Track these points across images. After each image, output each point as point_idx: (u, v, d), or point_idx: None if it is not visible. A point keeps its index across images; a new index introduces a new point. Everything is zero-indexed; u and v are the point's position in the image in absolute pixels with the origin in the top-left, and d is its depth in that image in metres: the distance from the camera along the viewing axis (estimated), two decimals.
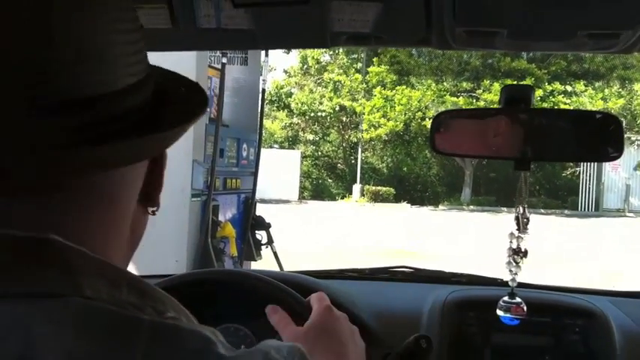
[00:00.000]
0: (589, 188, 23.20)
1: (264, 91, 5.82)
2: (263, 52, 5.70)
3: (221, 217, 5.02)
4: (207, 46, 2.35)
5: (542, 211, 21.23)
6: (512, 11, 1.07)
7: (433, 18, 1.10)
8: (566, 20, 1.09)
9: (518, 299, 1.37)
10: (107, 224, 0.57)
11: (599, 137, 1.33)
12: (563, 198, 24.52)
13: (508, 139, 1.33)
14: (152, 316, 0.51)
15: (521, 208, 1.33)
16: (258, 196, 5.68)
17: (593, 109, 19.30)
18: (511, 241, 1.33)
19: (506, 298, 1.38)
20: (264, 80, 5.80)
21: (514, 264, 1.34)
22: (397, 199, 24.56)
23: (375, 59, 24.64)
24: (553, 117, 1.47)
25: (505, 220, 17.07)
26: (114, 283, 0.52)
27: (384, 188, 24.87)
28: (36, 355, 0.46)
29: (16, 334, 0.46)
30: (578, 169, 23.85)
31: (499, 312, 1.38)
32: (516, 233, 1.33)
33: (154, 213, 0.65)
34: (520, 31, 1.13)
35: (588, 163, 22.86)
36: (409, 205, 23.93)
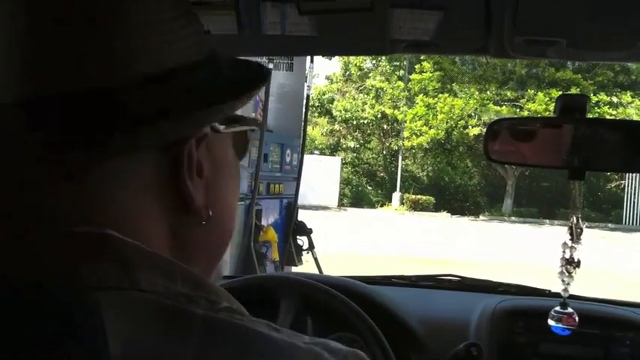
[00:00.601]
0: (634, 202, 22.73)
1: (308, 97, 5.84)
2: (308, 58, 5.73)
3: (264, 222, 5.06)
4: (271, 52, 2.38)
5: (586, 224, 20.84)
6: (573, 21, 1.07)
7: (493, 27, 1.11)
8: (626, 30, 1.09)
9: (570, 309, 1.37)
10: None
11: None
12: (607, 211, 24.08)
13: (562, 149, 1.33)
14: (205, 309, 0.52)
15: (575, 218, 1.33)
16: (298, 201, 5.71)
17: None
18: (564, 251, 1.33)
19: (558, 308, 1.38)
20: (308, 86, 5.82)
21: (567, 274, 1.33)
22: (437, 208, 24.40)
23: (417, 66, 24.57)
24: (608, 127, 1.46)
25: (547, 232, 16.89)
26: (169, 276, 0.53)
27: (424, 197, 24.73)
28: (104, 347, 0.47)
29: (81, 325, 0.48)
30: (623, 182, 23.41)
31: (550, 322, 1.38)
32: (569, 243, 1.32)
33: (201, 223, 0.60)
34: (579, 40, 1.13)
35: (633, 176, 22.41)
36: (449, 214, 23.74)
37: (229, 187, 0.65)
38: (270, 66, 5.09)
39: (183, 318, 0.50)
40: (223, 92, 0.59)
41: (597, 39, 1.13)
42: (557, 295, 1.56)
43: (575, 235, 1.31)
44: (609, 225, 22.09)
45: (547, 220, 21.38)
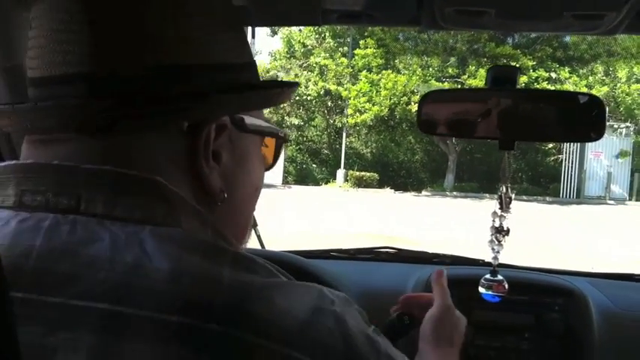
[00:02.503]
0: (571, 176, 23.36)
1: None
2: (249, 34, 5.66)
3: None
4: None
5: (525, 197, 21.38)
6: None
7: None
8: (552, 1, 1.11)
9: (500, 277, 1.40)
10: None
11: (582, 118, 1.35)
12: (545, 185, 24.71)
13: (493, 120, 1.35)
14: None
15: (504, 187, 1.35)
16: None
17: None
18: (494, 220, 1.35)
19: (488, 276, 1.40)
20: None
21: (496, 242, 1.36)
22: (381, 184, 24.62)
23: (361, 42, 24.60)
24: (537, 98, 1.49)
25: (487, 206, 17.14)
26: (202, 223, 0.65)
27: (368, 174, 24.90)
28: (148, 262, 0.56)
29: (132, 247, 0.57)
30: (560, 156, 24.03)
31: (481, 289, 1.40)
32: (499, 212, 1.35)
33: (217, 203, 0.69)
34: (508, 10, 1.14)
35: (571, 150, 23.04)
36: (393, 190, 24.00)
37: (246, 180, 0.74)
38: None
39: (218, 250, 0.61)
40: (242, 89, 0.71)
41: (524, 9, 1.15)
42: (489, 264, 1.60)
43: (505, 204, 1.34)
44: (547, 198, 22.69)
45: (487, 195, 21.81)
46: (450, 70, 23.74)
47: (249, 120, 0.72)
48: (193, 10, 0.66)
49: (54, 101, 0.63)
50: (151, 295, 0.55)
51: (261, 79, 0.77)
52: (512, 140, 1.34)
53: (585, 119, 1.35)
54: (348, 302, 0.63)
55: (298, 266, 1.62)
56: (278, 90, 0.75)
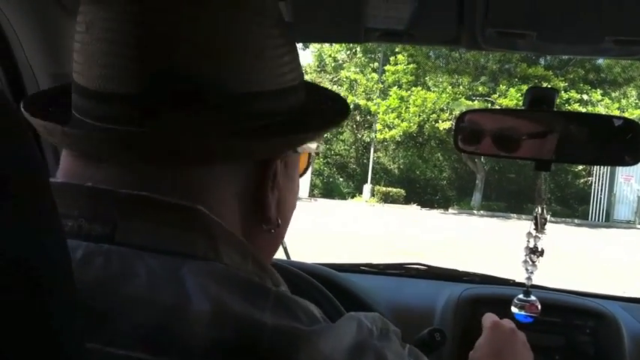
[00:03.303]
0: (600, 199, 23.08)
1: None
2: None
3: None
4: None
5: (552, 219, 21.15)
6: (543, 14, 1.10)
7: (465, 18, 1.13)
8: (594, 25, 1.12)
9: (533, 297, 1.40)
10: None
11: (617, 142, 1.36)
12: (574, 207, 24.42)
13: (530, 140, 1.36)
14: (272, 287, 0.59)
15: (539, 208, 1.35)
16: None
17: None
18: (528, 240, 1.36)
19: (521, 296, 1.41)
20: None
21: (530, 263, 1.36)
22: (407, 200, 24.52)
23: (392, 59, 24.61)
24: (574, 120, 1.49)
25: (514, 226, 17.08)
26: (243, 255, 0.61)
27: (395, 189, 24.82)
28: (188, 303, 0.53)
29: (170, 286, 0.54)
30: (590, 178, 23.76)
31: (514, 309, 1.41)
32: (534, 233, 1.35)
33: (270, 231, 0.68)
34: (549, 34, 1.16)
35: (601, 173, 22.76)
36: (419, 207, 23.89)
37: (292, 201, 0.72)
38: None
39: (261, 290, 0.57)
40: (315, 120, 0.68)
41: (566, 33, 1.16)
42: (520, 284, 1.60)
43: (540, 225, 1.34)
44: (576, 221, 22.42)
45: (514, 215, 21.63)
46: (480, 89, 23.62)
47: None
48: (267, 32, 0.63)
49: (112, 129, 0.59)
50: (191, 342, 0.51)
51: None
52: (549, 162, 1.35)
53: (621, 143, 1.35)
54: (385, 325, 0.63)
55: (330, 279, 1.63)
56: (340, 110, 0.73)
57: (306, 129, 0.66)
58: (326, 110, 0.72)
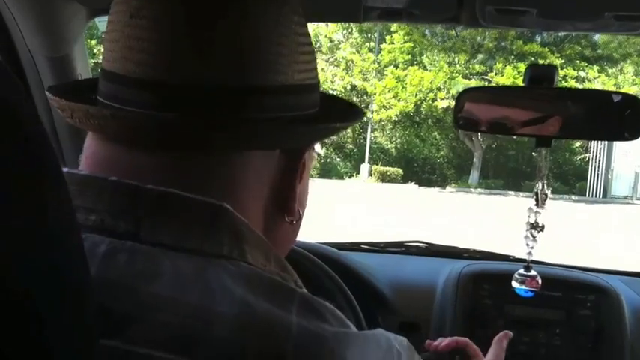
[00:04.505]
0: (597, 175, 23.12)
1: None
2: None
3: None
4: None
5: (551, 195, 21.16)
6: None
7: None
8: (594, 1, 1.12)
9: (533, 272, 1.41)
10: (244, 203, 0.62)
11: (617, 117, 1.36)
12: (571, 184, 24.48)
13: (530, 117, 1.37)
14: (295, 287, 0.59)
15: (540, 184, 1.36)
16: None
17: None
18: (529, 216, 1.36)
19: (521, 271, 1.42)
20: None
21: (531, 238, 1.37)
22: (405, 180, 24.56)
23: (388, 38, 24.52)
24: (574, 96, 1.49)
25: (512, 203, 17.14)
26: (266, 255, 0.60)
27: (392, 169, 24.85)
28: (213, 304, 0.52)
29: (196, 286, 0.53)
30: (587, 155, 23.79)
31: (514, 284, 1.42)
32: (534, 208, 1.36)
33: (291, 222, 0.68)
34: (549, 10, 1.16)
35: (598, 150, 22.79)
36: (417, 186, 23.92)
37: (307, 193, 0.72)
38: None
39: (286, 291, 0.57)
40: (340, 114, 0.70)
41: (566, 9, 1.16)
42: (520, 260, 1.61)
43: (540, 201, 1.35)
44: (573, 197, 22.47)
45: (512, 192, 21.67)
46: (476, 67, 23.57)
47: None
48: (297, 28, 0.64)
49: (140, 113, 0.58)
50: (215, 343, 0.50)
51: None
52: (550, 138, 1.35)
53: (620, 118, 1.36)
54: (412, 352, 0.63)
55: (331, 257, 1.64)
56: (358, 111, 0.74)
57: (332, 120, 0.67)
58: (342, 109, 0.74)
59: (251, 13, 0.59)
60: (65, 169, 0.57)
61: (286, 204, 0.66)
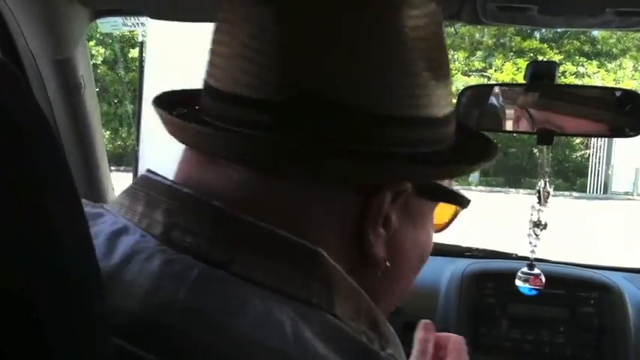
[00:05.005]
0: (598, 171, 23.10)
1: None
2: None
3: None
4: None
5: (551, 192, 21.15)
6: None
7: None
8: None
9: (537, 270, 1.41)
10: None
11: (618, 113, 1.36)
12: (572, 180, 24.46)
13: (531, 114, 1.36)
14: (379, 349, 0.54)
15: (542, 181, 1.36)
16: None
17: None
18: (532, 214, 1.36)
19: (525, 269, 1.42)
20: None
21: (534, 236, 1.37)
22: None
23: None
24: (575, 92, 1.49)
25: (513, 200, 17.12)
26: (356, 310, 0.56)
27: None
28: (290, 353, 0.49)
29: (276, 330, 0.50)
30: (588, 151, 23.77)
31: (518, 282, 1.42)
32: (537, 206, 1.36)
33: (376, 273, 0.60)
34: (550, 7, 1.15)
35: (599, 146, 22.78)
36: None
37: (413, 249, 0.63)
38: None
39: (368, 355, 0.53)
40: (442, 157, 0.60)
41: (567, 5, 1.15)
42: (523, 258, 1.61)
43: (543, 199, 1.35)
44: (574, 194, 22.46)
45: (513, 189, 21.65)
46: (476, 64, 23.55)
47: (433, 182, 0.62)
48: (412, 53, 0.56)
49: (239, 131, 0.55)
50: None
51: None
52: (551, 135, 1.35)
53: (621, 114, 1.36)
54: None
55: None
56: (484, 152, 0.64)
57: (426, 161, 0.58)
58: (463, 148, 0.63)
59: (358, 39, 0.55)
60: (168, 182, 0.58)
61: (363, 252, 0.58)
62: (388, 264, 0.59)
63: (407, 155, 0.57)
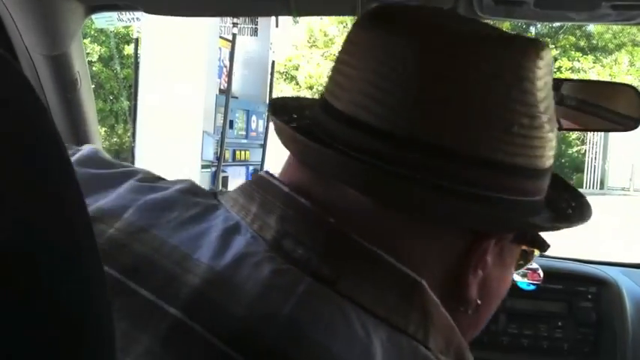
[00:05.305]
0: (594, 167, 23.14)
1: (273, 62, 5.82)
2: (273, 24, 5.69)
3: (230, 189, 5.04)
4: (240, 12, 2.36)
5: None
6: None
7: None
8: None
9: (535, 265, 1.41)
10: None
11: (618, 107, 1.36)
12: (568, 176, 24.51)
13: None
14: None
15: None
16: (264, 168, 5.70)
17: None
18: None
19: None
20: (273, 51, 5.79)
21: None
22: None
23: None
24: (572, 87, 1.49)
25: None
26: (447, 343, 0.57)
27: None
28: None
29: (370, 356, 0.50)
30: (584, 147, 23.81)
31: (516, 277, 1.41)
32: None
33: (466, 311, 0.61)
34: (546, 1, 1.15)
35: (595, 142, 22.82)
36: None
37: (500, 289, 0.65)
38: (235, 31, 5.04)
39: None
40: (545, 213, 0.61)
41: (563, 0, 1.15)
42: None
43: None
44: None
45: None
46: None
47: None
48: (522, 107, 0.56)
49: (359, 157, 0.55)
50: None
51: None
52: None
53: (618, 109, 1.36)
54: None
55: None
56: (582, 214, 0.66)
57: (535, 213, 0.60)
58: (565, 207, 0.66)
59: (512, 85, 0.55)
60: (286, 188, 0.58)
61: (458, 292, 0.60)
62: (479, 302, 0.60)
63: (525, 206, 0.58)
